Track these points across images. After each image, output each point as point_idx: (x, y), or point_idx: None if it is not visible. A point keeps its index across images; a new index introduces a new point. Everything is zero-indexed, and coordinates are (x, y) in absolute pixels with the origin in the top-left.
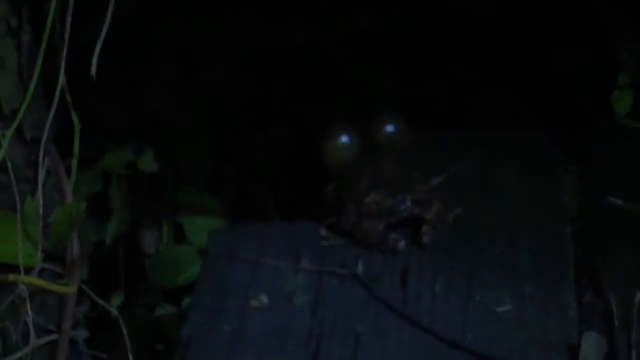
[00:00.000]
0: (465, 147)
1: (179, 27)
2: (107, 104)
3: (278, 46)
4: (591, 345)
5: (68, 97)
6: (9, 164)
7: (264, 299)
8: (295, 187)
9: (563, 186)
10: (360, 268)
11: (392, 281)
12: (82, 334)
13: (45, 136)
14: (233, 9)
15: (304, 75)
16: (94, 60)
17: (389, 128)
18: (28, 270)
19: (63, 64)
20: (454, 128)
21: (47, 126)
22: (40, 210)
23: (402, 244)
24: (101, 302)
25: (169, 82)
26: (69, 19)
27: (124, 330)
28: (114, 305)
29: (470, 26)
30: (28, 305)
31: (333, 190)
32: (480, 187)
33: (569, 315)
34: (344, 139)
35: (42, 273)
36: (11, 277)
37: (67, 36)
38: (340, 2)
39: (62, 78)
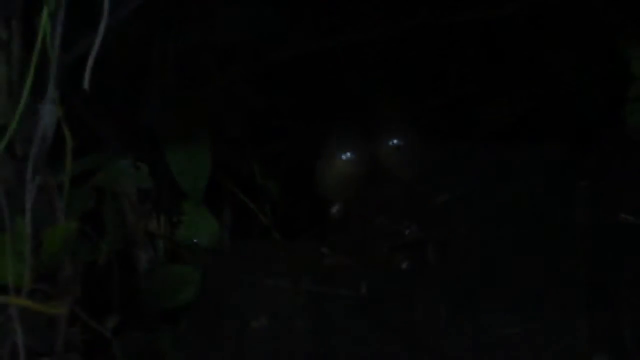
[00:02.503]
0: (473, 163)
1: (177, 38)
2: (102, 118)
3: (279, 59)
4: None
5: (59, 112)
6: None
7: (264, 320)
8: (296, 203)
9: (575, 203)
10: (363, 289)
11: (396, 303)
12: (74, 357)
13: (33, 153)
14: (233, 21)
15: (305, 88)
16: (87, 74)
17: (394, 142)
18: (19, 291)
19: (53, 77)
20: (462, 143)
21: (36, 142)
22: (29, 230)
23: (407, 264)
24: (94, 324)
25: (166, 94)
26: (58, 32)
27: (118, 353)
28: (108, 326)
29: (479, 38)
30: (18, 327)
31: (339, 211)
32: (489, 204)
33: (580, 336)
34: (345, 157)
35: (33, 294)
36: (1, 298)
37: (56, 49)
38: (342, 15)
39: (52, 91)
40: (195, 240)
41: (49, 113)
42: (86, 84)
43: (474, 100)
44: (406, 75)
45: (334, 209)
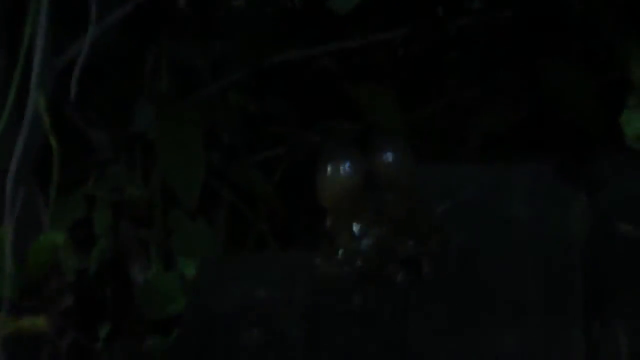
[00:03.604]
0: (469, 173)
1: (170, 42)
2: (94, 124)
3: (274, 65)
4: None
5: (46, 119)
6: None
7: (256, 332)
8: (292, 210)
9: (572, 215)
10: (357, 302)
11: (391, 316)
12: None
13: (14, 164)
14: (228, 25)
15: (301, 94)
16: (74, 81)
17: (389, 156)
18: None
19: (36, 84)
20: (458, 151)
21: (17, 153)
22: (8, 241)
23: (401, 276)
24: (82, 335)
25: (159, 99)
26: (42, 38)
27: None
28: (99, 336)
29: (475, 45)
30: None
31: (332, 223)
32: (485, 216)
33: (576, 350)
34: (343, 170)
35: (17, 308)
36: None
37: (40, 55)
38: (338, 20)
39: (36, 99)
40: (189, 249)
41: (32, 121)
42: (72, 91)
43: (469, 108)
44: (401, 80)
45: (327, 222)
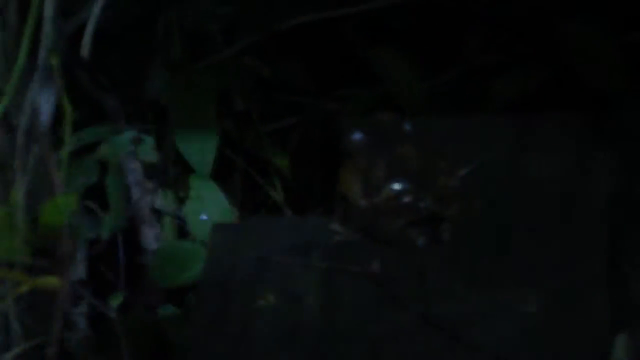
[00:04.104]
0: (490, 133)
1: (183, 6)
2: (106, 89)
3: (289, 28)
4: (622, 349)
5: (59, 81)
6: None
7: (271, 298)
8: (306, 178)
9: (595, 174)
10: (375, 266)
11: (409, 280)
12: (76, 334)
13: (24, 121)
14: None
15: (316, 60)
16: (86, 41)
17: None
18: (12, 266)
19: (46, 44)
20: (477, 113)
21: (26, 110)
22: (22, 201)
23: (421, 240)
24: (97, 303)
25: (172, 65)
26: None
27: (121, 333)
28: (113, 305)
29: (494, 7)
30: (10, 303)
31: (346, 177)
32: (506, 177)
33: (600, 315)
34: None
35: (30, 269)
36: None
37: (50, 13)
38: None
39: (46, 57)
40: (203, 217)
41: (43, 81)
42: (85, 52)
43: (490, 71)
44: (420, 46)
45: (340, 174)
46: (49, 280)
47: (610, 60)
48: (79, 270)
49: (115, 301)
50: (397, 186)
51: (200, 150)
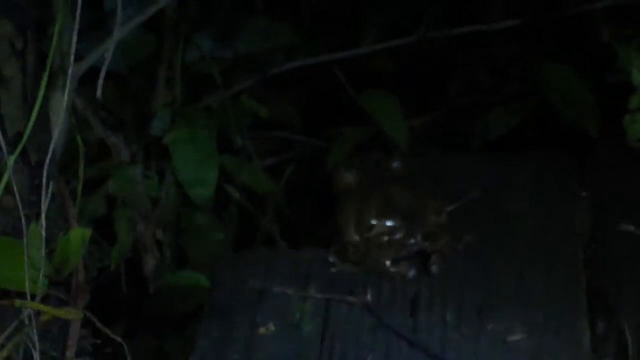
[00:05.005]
0: (474, 174)
1: (185, 49)
2: (111, 126)
3: (284, 72)
4: None
5: (73, 120)
6: (15, 188)
7: (272, 326)
8: (300, 211)
9: (575, 213)
10: (369, 296)
11: (402, 310)
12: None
13: (48, 159)
14: (241, 35)
15: (309, 101)
16: (100, 83)
17: (397, 164)
18: (32, 297)
19: (68, 87)
20: (462, 154)
21: (51, 149)
22: (44, 235)
23: (412, 272)
24: (105, 329)
25: (175, 104)
26: (74, 43)
27: (127, 358)
28: (117, 331)
29: (476, 50)
30: (34, 331)
31: (340, 214)
32: (491, 214)
33: (583, 344)
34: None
35: (45, 299)
36: (18, 302)
37: (71, 59)
38: (344, 30)
39: (67, 100)
40: (201, 248)
41: (61, 121)
42: (98, 93)
43: (473, 111)
44: (406, 87)
45: (336, 213)
46: (69, 312)
47: (586, 102)
48: (85, 298)
49: (120, 327)
50: (388, 223)
51: (201, 185)
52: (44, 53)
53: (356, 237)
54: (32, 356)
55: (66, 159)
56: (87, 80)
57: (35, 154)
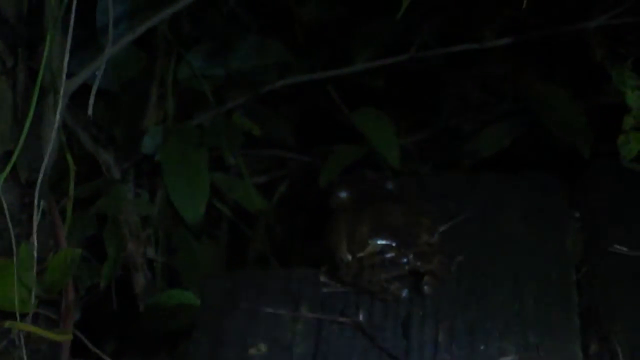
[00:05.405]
0: (467, 192)
1: (177, 67)
2: (102, 144)
3: (276, 89)
4: None
5: (63, 139)
6: (5, 207)
7: (263, 347)
8: (292, 229)
9: (567, 233)
10: (361, 316)
11: (394, 330)
12: None
13: (40, 178)
14: (233, 49)
15: (301, 119)
16: (91, 101)
17: (389, 182)
18: (22, 316)
19: (60, 105)
20: (454, 170)
21: (43, 168)
22: (35, 255)
23: (404, 293)
24: (95, 349)
25: (166, 122)
26: (65, 60)
27: None
28: (107, 350)
29: (469, 69)
30: (24, 352)
31: (333, 233)
32: (483, 234)
33: None
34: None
35: (35, 318)
36: (7, 323)
37: (62, 77)
38: (337, 48)
39: (58, 118)
40: (192, 267)
41: (52, 139)
42: (89, 111)
43: (465, 129)
44: (399, 106)
45: (327, 231)
46: (59, 335)
47: (578, 121)
48: (75, 315)
49: (110, 346)
50: (380, 242)
51: (192, 203)
52: (35, 71)
53: (348, 257)
54: None
55: (56, 176)
56: (78, 97)
57: (25, 173)
